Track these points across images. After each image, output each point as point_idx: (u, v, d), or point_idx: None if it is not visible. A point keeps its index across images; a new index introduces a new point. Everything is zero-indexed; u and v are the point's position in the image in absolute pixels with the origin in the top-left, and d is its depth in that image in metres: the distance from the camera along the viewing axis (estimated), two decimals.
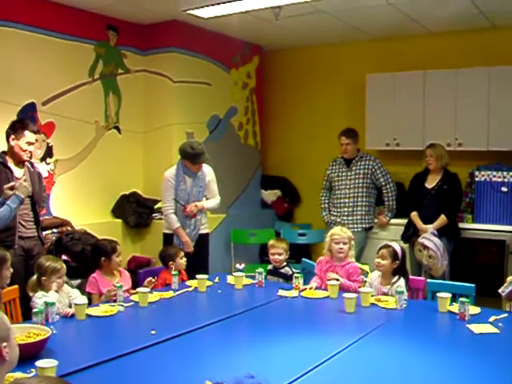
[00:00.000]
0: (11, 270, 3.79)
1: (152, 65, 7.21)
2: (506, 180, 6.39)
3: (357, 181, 6.54)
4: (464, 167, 6.76)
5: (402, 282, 4.35)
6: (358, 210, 6.54)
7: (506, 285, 3.97)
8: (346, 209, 6.57)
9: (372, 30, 7.18)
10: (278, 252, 5.11)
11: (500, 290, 3.94)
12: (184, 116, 7.20)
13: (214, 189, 5.82)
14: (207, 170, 5.74)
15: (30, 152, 4.93)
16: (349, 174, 6.59)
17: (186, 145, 5.63)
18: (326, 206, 6.82)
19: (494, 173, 6.45)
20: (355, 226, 6.50)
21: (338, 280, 4.42)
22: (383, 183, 6.56)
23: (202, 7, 5.47)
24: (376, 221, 6.72)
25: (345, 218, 6.56)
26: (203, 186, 5.68)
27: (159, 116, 7.19)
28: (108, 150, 6.87)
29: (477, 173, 6.56)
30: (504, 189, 6.40)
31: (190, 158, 5.54)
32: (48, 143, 6.22)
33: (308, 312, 4.10)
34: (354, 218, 6.55)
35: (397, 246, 4.47)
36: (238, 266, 5.09)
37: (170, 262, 4.91)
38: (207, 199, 5.77)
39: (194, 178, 5.61)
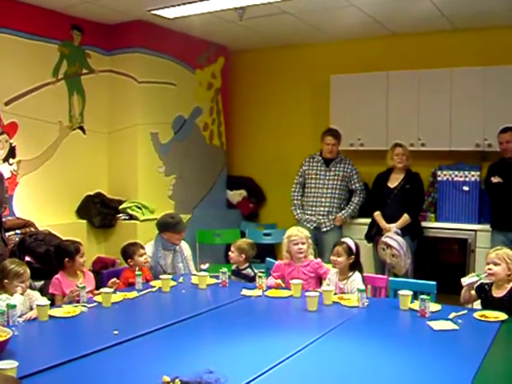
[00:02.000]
0: None
1: (117, 65, 7.17)
2: (467, 179, 6.51)
3: (335, 182, 6.59)
4: (427, 167, 6.87)
5: (357, 276, 4.42)
6: (334, 211, 6.59)
7: (470, 275, 4.06)
8: (322, 208, 6.59)
9: (336, 31, 7.23)
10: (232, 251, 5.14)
11: (462, 279, 4.03)
12: (149, 116, 7.18)
13: (192, 264, 5.59)
14: (184, 246, 5.54)
15: None
16: (328, 174, 6.62)
17: (164, 217, 5.49)
18: (299, 202, 6.83)
19: (456, 172, 6.56)
20: (330, 224, 6.56)
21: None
22: (358, 188, 6.64)
23: (167, 7, 5.48)
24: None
25: (321, 217, 6.58)
26: (184, 260, 5.45)
27: (124, 116, 7.16)
28: (72, 151, 6.81)
29: (439, 172, 6.66)
30: (466, 188, 6.51)
31: (173, 227, 5.34)
32: (11, 143, 6.16)
33: (271, 311, 4.14)
34: (331, 217, 6.58)
35: (350, 242, 4.55)
36: (202, 266, 5.10)
37: (129, 260, 4.90)
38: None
39: (173, 253, 5.39)
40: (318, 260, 4.82)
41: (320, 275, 4.68)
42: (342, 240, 4.66)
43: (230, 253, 5.16)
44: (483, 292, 4.03)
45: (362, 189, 6.68)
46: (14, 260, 4.23)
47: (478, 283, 4.06)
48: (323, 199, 6.61)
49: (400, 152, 6.26)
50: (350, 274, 4.45)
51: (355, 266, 4.51)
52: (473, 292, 4.07)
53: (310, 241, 4.82)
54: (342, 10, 6.26)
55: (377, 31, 7.13)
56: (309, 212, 6.69)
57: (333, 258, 4.53)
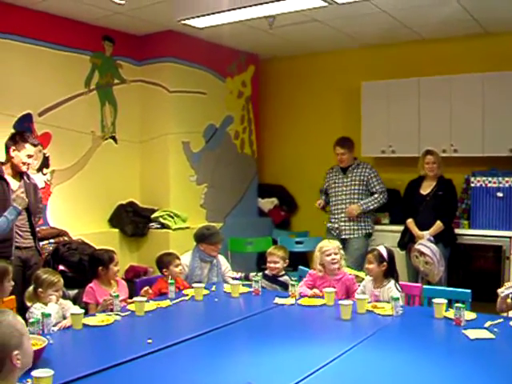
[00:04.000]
0: (12, 282, 3.82)
1: (148, 75, 7.24)
2: (501, 185, 6.41)
3: (353, 187, 6.52)
4: (459, 173, 6.78)
5: (391, 283, 4.38)
6: (355, 217, 6.54)
7: (507, 286, 3.98)
8: (343, 215, 6.53)
9: (366, 37, 7.22)
10: (274, 260, 5.12)
11: (499, 290, 3.96)
12: (180, 125, 7.22)
13: (231, 275, 5.54)
14: (222, 261, 5.57)
15: (29, 164, 4.96)
16: (345, 180, 6.57)
17: (200, 228, 5.55)
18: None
19: (490, 178, 6.47)
20: (352, 231, 6.49)
21: None
22: (379, 190, 6.51)
23: (197, 17, 5.49)
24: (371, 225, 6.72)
25: (342, 223, 6.53)
26: (219, 274, 5.46)
27: (155, 125, 7.21)
28: (104, 160, 6.89)
29: (472, 179, 6.58)
30: (499, 194, 6.42)
31: (207, 238, 5.40)
32: (44, 154, 6.24)
33: (304, 320, 4.12)
34: (352, 223, 6.52)
35: (382, 249, 4.51)
36: (235, 274, 5.09)
37: (164, 270, 4.92)
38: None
39: (210, 265, 5.42)
40: (351, 276, 4.78)
41: (352, 291, 4.63)
42: (374, 247, 4.64)
43: (271, 265, 5.13)
44: None
45: (382, 190, 6.53)
46: (48, 269, 4.28)
47: None
48: (343, 205, 6.55)
49: (431, 160, 6.19)
50: (385, 281, 4.41)
51: (390, 273, 4.47)
52: (509, 301, 4.00)
53: (342, 251, 4.79)
54: (371, 15, 6.24)
55: (407, 36, 7.10)
56: (332, 220, 6.66)
57: (365, 265, 4.52)
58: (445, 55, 7.11)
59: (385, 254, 4.47)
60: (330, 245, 4.78)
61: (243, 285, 4.79)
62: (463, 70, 6.78)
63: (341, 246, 4.86)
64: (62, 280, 3.99)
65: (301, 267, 5.48)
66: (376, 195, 6.51)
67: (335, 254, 4.71)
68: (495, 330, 3.50)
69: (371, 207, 6.50)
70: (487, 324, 3.61)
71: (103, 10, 6.08)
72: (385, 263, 4.43)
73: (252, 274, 5.18)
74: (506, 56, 6.68)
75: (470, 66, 6.80)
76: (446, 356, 3.12)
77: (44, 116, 6.22)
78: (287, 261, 5.18)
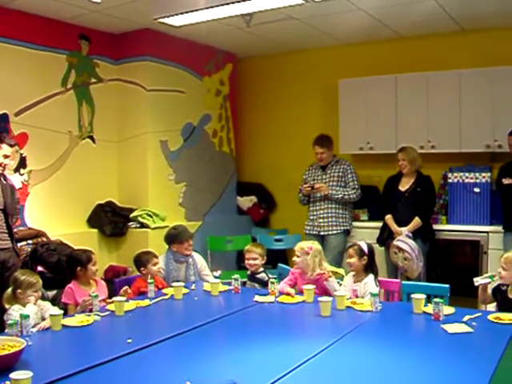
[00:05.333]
0: None
1: (125, 74, 7.20)
2: (478, 181, 6.47)
3: (331, 183, 6.51)
4: (437, 169, 6.84)
5: (370, 277, 4.42)
6: (333, 213, 6.50)
7: (483, 276, 4.05)
8: (321, 211, 6.54)
9: (343, 35, 7.24)
10: (253, 257, 5.12)
11: (475, 279, 4.02)
12: (158, 124, 7.20)
13: (208, 273, 5.53)
14: (198, 258, 5.52)
15: (5, 165, 4.92)
16: (324, 177, 6.58)
17: (167, 231, 5.53)
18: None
19: (467, 174, 6.53)
20: (331, 228, 6.50)
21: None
22: (352, 186, 6.49)
23: (173, 15, 5.47)
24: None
25: (320, 220, 6.54)
26: (197, 273, 5.43)
27: (133, 125, 7.18)
28: (82, 160, 6.84)
29: (450, 174, 6.63)
30: (476, 189, 6.48)
31: (177, 238, 5.37)
32: (21, 154, 6.19)
33: (284, 317, 4.13)
34: (330, 219, 6.53)
35: (362, 243, 4.57)
36: (214, 273, 5.09)
37: (142, 268, 4.91)
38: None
39: (186, 265, 5.38)
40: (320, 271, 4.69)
41: (324, 288, 4.58)
42: (355, 242, 4.67)
43: (250, 261, 5.11)
44: (499, 293, 4.02)
45: (356, 188, 6.50)
46: (26, 270, 4.24)
47: (495, 284, 4.05)
48: (321, 202, 6.55)
49: (401, 158, 6.22)
50: (365, 276, 4.46)
51: (370, 267, 4.51)
52: (489, 292, 4.06)
53: (308, 256, 4.65)
54: (349, 13, 6.25)
55: (384, 34, 7.13)
56: (311, 217, 6.66)
57: (346, 260, 4.56)
58: (421, 52, 7.15)
59: (365, 248, 4.52)
60: (296, 246, 4.81)
61: (223, 283, 4.80)
62: (440, 66, 6.84)
63: (307, 250, 4.70)
64: (40, 280, 3.97)
65: (280, 265, 5.49)
66: (348, 189, 6.52)
67: (297, 256, 4.70)
68: (473, 323, 3.54)
69: (337, 196, 6.46)
70: (465, 318, 3.64)
71: (79, 8, 6.03)
72: (365, 257, 4.48)
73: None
74: (482, 53, 6.73)
75: (446, 63, 6.86)
76: (424, 350, 3.14)
77: (20, 116, 6.16)
78: (265, 258, 5.19)
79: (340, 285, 4.63)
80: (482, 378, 2.64)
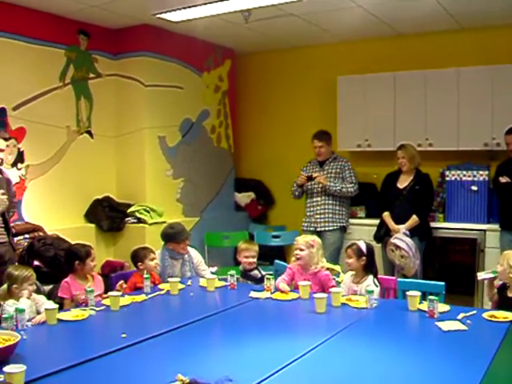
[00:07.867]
0: None
1: (123, 69, 7.19)
2: (475, 179, 6.48)
3: (328, 179, 6.55)
4: (435, 167, 6.84)
5: (369, 279, 4.40)
6: (330, 209, 6.52)
7: (486, 271, 4.07)
8: (318, 207, 6.56)
9: (342, 32, 7.23)
10: (252, 255, 5.12)
11: (478, 274, 4.04)
12: (156, 120, 7.19)
13: (205, 268, 5.51)
14: (194, 254, 5.46)
15: (1, 159, 4.92)
16: (321, 172, 6.59)
17: (164, 229, 5.47)
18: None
19: (464, 172, 6.54)
20: (327, 224, 6.51)
21: None
22: (349, 181, 6.52)
23: (172, 11, 5.49)
24: None
25: (317, 216, 6.55)
26: (192, 268, 5.38)
27: (131, 120, 7.17)
28: (80, 155, 6.84)
29: (447, 172, 6.64)
30: (474, 188, 6.48)
31: (174, 237, 5.31)
32: (19, 148, 6.18)
33: (279, 313, 4.13)
34: (327, 216, 6.54)
35: (361, 243, 4.53)
36: (211, 269, 5.09)
37: (139, 264, 4.90)
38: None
39: (182, 261, 5.32)
40: (327, 273, 4.73)
41: (327, 287, 4.55)
42: (354, 242, 4.65)
43: (250, 259, 5.10)
44: (500, 291, 4.02)
45: (353, 183, 6.52)
46: (17, 265, 4.26)
47: (501, 282, 4.05)
48: (318, 198, 6.57)
49: (400, 155, 6.22)
50: (365, 276, 4.43)
51: (369, 267, 4.49)
52: (495, 290, 4.08)
53: (313, 249, 4.70)
54: (348, 10, 6.25)
55: (383, 32, 7.13)
56: (308, 213, 6.67)
57: (345, 260, 4.55)
58: (420, 50, 7.15)
59: (364, 248, 4.49)
60: (298, 240, 4.80)
61: (219, 279, 4.80)
62: (438, 64, 6.84)
63: (311, 243, 4.74)
64: (34, 274, 3.97)
65: (277, 261, 5.48)
66: (346, 184, 6.52)
67: (301, 250, 4.70)
68: (468, 321, 3.53)
69: (335, 189, 6.48)
70: (460, 316, 3.64)
71: (78, 3, 6.03)
72: (364, 257, 4.45)
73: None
74: (481, 51, 6.73)
75: (445, 61, 6.85)
76: (418, 347, 3.15)
77: (18, 110, 6.15)
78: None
79: (337, 282, 4.65)
80: (475, 375, 2.64)
